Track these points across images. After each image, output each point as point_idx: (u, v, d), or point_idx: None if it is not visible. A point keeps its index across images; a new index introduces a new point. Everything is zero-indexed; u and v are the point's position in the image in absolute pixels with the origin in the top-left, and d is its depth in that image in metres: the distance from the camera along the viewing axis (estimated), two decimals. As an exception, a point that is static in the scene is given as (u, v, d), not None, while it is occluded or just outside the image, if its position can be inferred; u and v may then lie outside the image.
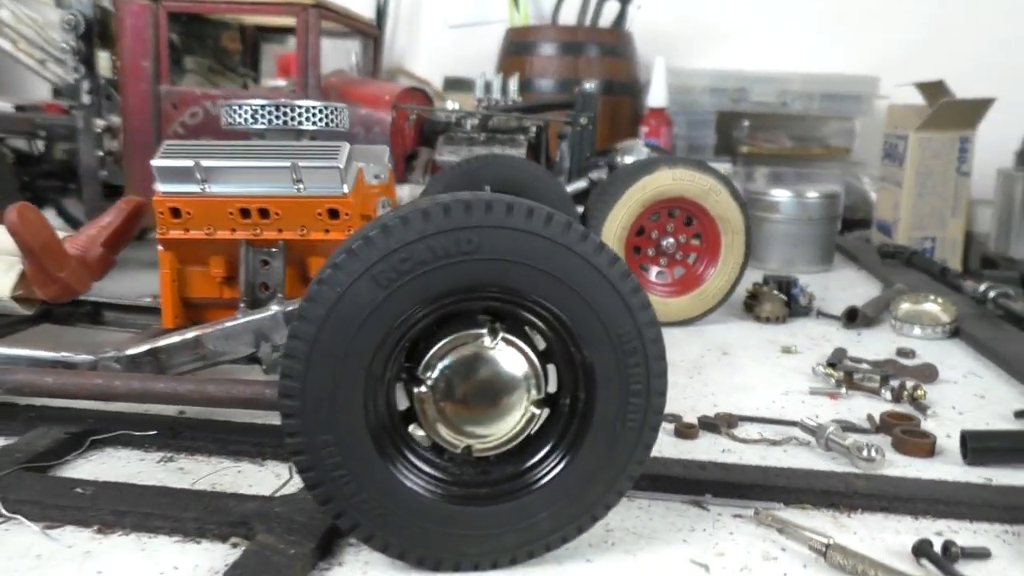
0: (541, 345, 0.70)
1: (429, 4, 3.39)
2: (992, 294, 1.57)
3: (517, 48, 2.88)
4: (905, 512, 0.83)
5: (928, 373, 1.23)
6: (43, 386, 0.88)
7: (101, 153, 1.74)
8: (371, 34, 1.99)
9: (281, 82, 2.66)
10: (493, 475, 0.70)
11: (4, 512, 0.75)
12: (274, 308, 0.95)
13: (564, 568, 0.71)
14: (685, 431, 0.99)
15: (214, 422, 0.95)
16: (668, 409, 0.78)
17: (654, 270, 1.53)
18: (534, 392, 0.68)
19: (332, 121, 1.00)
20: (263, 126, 0.98)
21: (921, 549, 0.74)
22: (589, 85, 1.75)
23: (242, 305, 0.96)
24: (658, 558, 0.73)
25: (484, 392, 0.67)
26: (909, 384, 1.14)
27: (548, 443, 0.70)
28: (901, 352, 1.35)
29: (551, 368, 0.70)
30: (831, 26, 3.01)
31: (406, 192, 1.60)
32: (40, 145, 1.92)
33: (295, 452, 0.64)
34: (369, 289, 0.62)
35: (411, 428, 0.69)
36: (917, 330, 1.48)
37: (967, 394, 1.19)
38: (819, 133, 2.90)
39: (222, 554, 0.72)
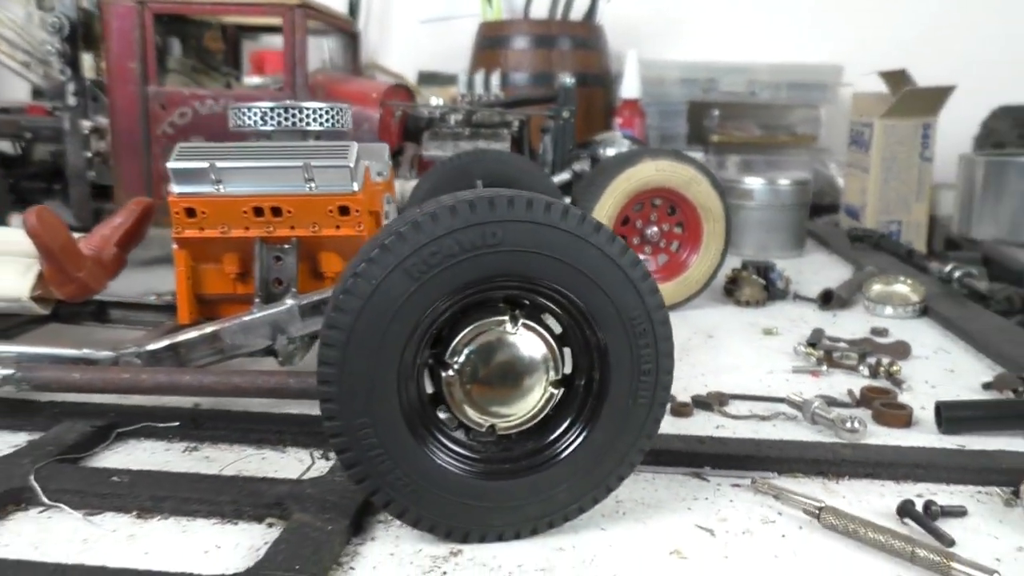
0: (557, 329, 0.75)
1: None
2: (957, 274, 1.66)
3: (491, 42, 2.92)
4: (888, 477, 0.89)
5: (902, 350, 1.31)
6: (71, 382, 0.91)
7: (89, 154, 1.75)
8: (351, 31, 2.02)
9: (257, 79, 2.68)
10: (515, 451, 0.75)
11: (46, 501, 0.79)
12: (289, 302, 0.99)
13: (580, 536, 0.76)
14: (680, 409, 1.05)
15: (233, 412, 0.99)
16: (664, 390, 0.84)
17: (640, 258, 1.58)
18: (552, 373, 0.73)
19: (337, 121, 1.04)
20: (272, 127, 1.02)
21: (905, 509, 0.80)
22: (570, 80, 1.80)
23: (257, 300, 1.00)
24: (666, 525, 0.78)
25: (507, 374, 0.72)
26: (885, 361, 1.21)
27: (566, 420, 0.75)
28: (875, 331, 1.43)
29: (567, 351, 0.75)
30: (796, 17, 3.09)
31: (396, 187, 1.64)
32: (18, 147, 1.93)
33: (333, 434, 0.69)
34: (402, 281, 0.67)
35: (439, 410, 0.74)
36: (889, 310, 1.56)
37: (938, 369, 1.26)
38: (786, 121, 2.98)
39: (260, 533, 0.76)
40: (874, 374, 1.20)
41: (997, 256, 1.76)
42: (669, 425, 1.01)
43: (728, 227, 1.56)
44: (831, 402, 1.08)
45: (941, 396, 1.12)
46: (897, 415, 1.03)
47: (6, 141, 1.89)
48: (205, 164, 0.96)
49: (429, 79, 3.16)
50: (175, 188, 0.97)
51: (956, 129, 2.52)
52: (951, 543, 0.75)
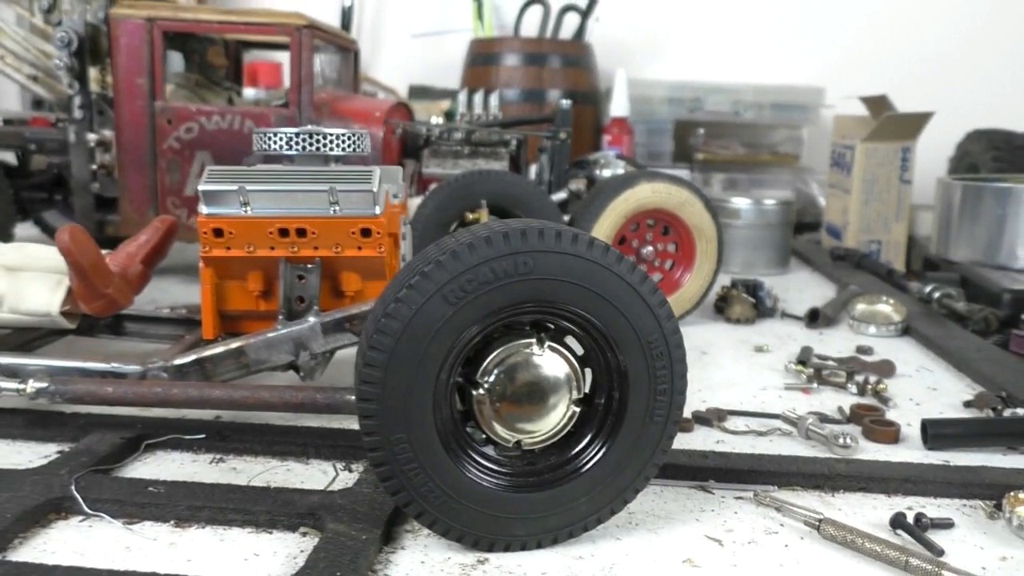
0: (580, 351, 0.80)
1: (392, 13, 3.47)
2: (937, 295, 1.73)
3: (482, 59, 2.98)
4: (879, 491, 0.95)
5: (887, 368, 1.37)
6: (104, 395, 0.95)
7: (94, 167, 1.78)
8: (352, 49, 2.07)
9: (252, 91, 2.72)
10: (539, 465, 0.80)
11: (88, 510, 0.82)
12: (312, 319, 1.03)
13: (598, 546, 0.81)
14: (682, 425, 1.10)
15: (256, 425, 1.03)
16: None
17: (633, 276, 1.64)
18: (575, 392, 0.79)
19: (357, 147, 1.09)
20: (296, 152, 1.06)
21: (897, 521, 0.86)
22: (566, 102, 1.86)
23: (281, 317, 1.05)
24: (677, 535, 0.84)
25: (533, 393, 0.77)
26: (872, 379, 1.28)
27: (586, 436, 0.80)
28: (860, 349, 1.49)
29: (587, 371, 0.81)
30: (780, 40, 3.18)
31: (399, 204, 1.69)
32: (17, 157, 1.96)
33: (372, 448, 0.73)
34: (440, 306, 0.71)
35: (468, 426, 0.78)
36: (872, 329, 1.62)
37: (921, 387, 1.33)
38: (769, 140, 3.07)
39: (295, 542, 0.80)
40: (862, 392, 1.26)
41: (974, 277, 1.84)
42: (673, 440, 1.06)
43: (720, 247, 1.62)
44: (823, 418, 1.14)
45: (925, 413, 1.18)
46: (886, 432, 1.09)
47: (8, 152, 1.91)
48: (234, 187, 1.00)
49: (420, 93, 3.20)
50: (204, 209, 1.01)
51: (932, 151, 2.61)
52: (941, 553, 0.81)
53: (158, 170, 1.73)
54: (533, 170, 1.99)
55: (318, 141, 1.06)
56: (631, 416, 0.78)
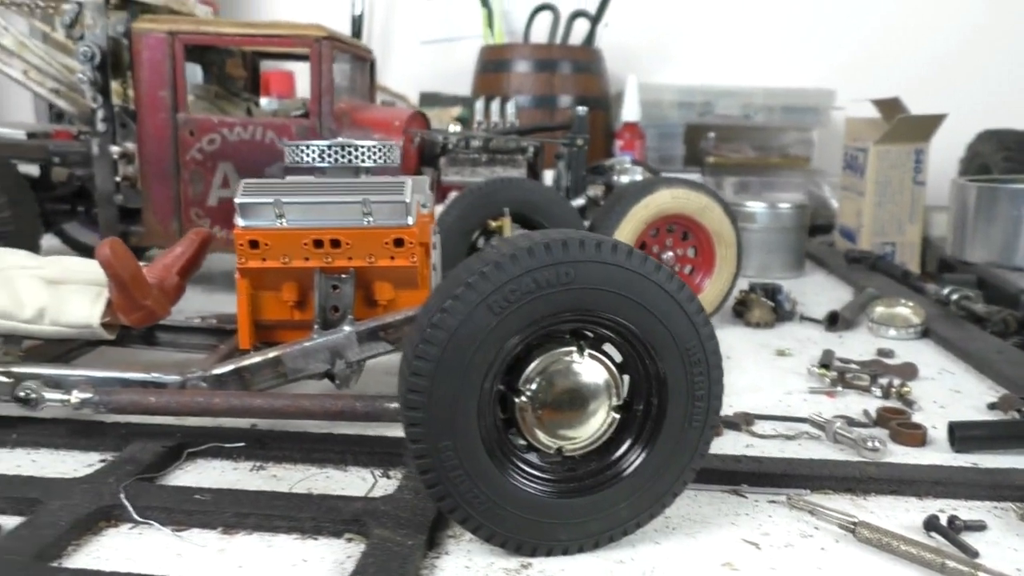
0: (618, 358, 0.82)
1: (402, 20, 3.50)
2: (955, 297, 1.74)
3: (493, 66, 3.00)
4: (910, 494, 0.96)
5: (909, 371, 1.38)
6: (147, 405, 0.97)
7: (117, 178, 1.80)
8: (368, 59, 2.09)
9: (265, 100, 2.74)
10: (580, 471, 0.82)
11: (137, 517, 0.84)
12: (347, 328, 1.05)
13: (638, 550, 0.82)
14: (711, 429, 1.12)
15: (293, 433, 1.05)
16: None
17: (654, 281, 1.65)
18: (614, 399, 0.80)
19: (387, 158, 1.11)
20: (328, 164, 1.08)
21: (931, 523, 0.87)
22: (583, 109, 1.87)
23: (316, 326, 1.06)
24: (715, 539, 0.85)
25: (574, 400, 0.79)
26: (896, 382, 1.29)
27: (626, 442, 0.82)
28: (882, 352, 1.50)
29: (626, 378, 0.82)
30: (790, 43, 3.20)
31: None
32: (37, 170, 1.99)
33: (418, 456, 0.75)
34: (484, 316, 0.73)
35: (510, 433, 0.80)
36: (892, 331, 1.63)
37: (944, 389, 1.34)
38: (780, 143, 3.08)
39: (341, 548, 0.82)
40: (886, 395, 1.27)
41: (991, 279, 1.85)
42: (703, 444, 1.08)
43: (739, 252, 1.63)
44: (850, 422, 1.15)
45: (950, 416, 1.19)
46: (913, 434, 1.10)
47: (32, 165, 1.93)
48: (270, 199, 1.02)
49: (430, 100, 3.23)
50: (240, 222, 1.03)
51: (942, 151, 2.63)
52: (976, 555, 0.82)
53: (181, 181, 1.76)
54: (550, 176, 2.01)
55: (350, 153, 1.08)
56: (670, 422, 0.80)
